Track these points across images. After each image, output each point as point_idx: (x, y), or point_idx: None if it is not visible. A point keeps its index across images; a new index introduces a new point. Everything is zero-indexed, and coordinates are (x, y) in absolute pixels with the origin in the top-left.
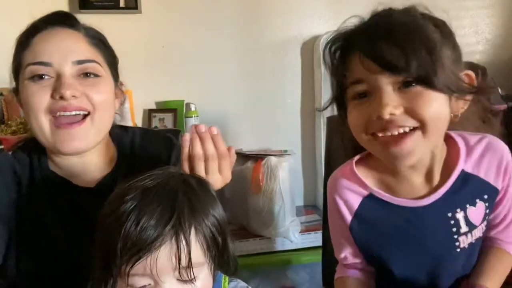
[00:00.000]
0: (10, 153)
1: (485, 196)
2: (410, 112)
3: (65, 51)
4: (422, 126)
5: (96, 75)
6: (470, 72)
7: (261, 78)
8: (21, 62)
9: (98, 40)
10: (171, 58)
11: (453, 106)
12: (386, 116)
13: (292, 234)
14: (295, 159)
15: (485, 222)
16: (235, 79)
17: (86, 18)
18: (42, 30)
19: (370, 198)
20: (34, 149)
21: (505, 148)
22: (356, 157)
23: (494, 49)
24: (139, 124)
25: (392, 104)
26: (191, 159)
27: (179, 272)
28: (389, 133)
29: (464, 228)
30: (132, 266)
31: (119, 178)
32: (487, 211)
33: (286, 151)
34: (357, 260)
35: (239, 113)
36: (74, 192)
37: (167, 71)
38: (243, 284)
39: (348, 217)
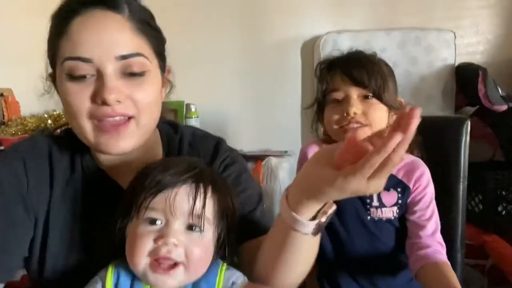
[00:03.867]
0: (48, 138)
1: (398, 189)
2: (366, 114)
3: (107, 43)
4: (371, 125)
5: (141, 73)
6: (401, 100)
7: (261, 78)
8: (57, 51)
9: (145, 24)
10: (171, 59)
11: (389, 118)
12: (352, 114)
13: None
14: (295, 160)
15: (395, 208)
16: (235, 79)
17: None
18: (79, 13)
19: None
20: (77, 141)
21: (424, 167)
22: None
23: (495, 49)
24: None
25: (357, 107)
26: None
27: (192, 215)
28: (350, 126)
29: (375, 202)
30: (152, 199)
31: None
32: (400, 201)
33: (286, 151)
34: None
35: (239, 114)
36: (116, 191)
37: None
38: (239, 273)
39: None
